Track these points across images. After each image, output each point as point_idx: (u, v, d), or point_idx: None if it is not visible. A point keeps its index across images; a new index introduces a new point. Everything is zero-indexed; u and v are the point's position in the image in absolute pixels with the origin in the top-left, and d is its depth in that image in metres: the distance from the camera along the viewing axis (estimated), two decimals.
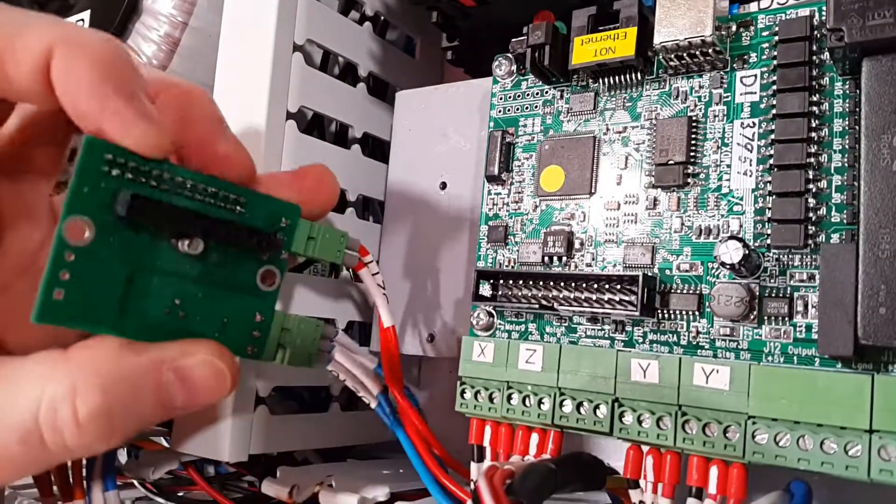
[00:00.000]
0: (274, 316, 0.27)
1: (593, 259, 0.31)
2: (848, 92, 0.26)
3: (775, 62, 0.28)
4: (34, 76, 0.20)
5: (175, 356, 0.22)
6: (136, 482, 0.44)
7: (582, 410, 0.29)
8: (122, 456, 0.46)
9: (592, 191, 0.32)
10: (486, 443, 0.31)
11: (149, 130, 0.21)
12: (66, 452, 0.20)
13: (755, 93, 0.28)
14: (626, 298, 0.29)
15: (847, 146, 0.26)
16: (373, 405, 0.33)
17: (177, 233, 0.24)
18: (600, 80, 0.32)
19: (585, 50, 0.31)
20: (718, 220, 0.28)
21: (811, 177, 0.26)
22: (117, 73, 0.21)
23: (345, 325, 0.40)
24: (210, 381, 0.23)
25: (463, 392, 0.32)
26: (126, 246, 0.23)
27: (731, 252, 0.26)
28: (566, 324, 0.31)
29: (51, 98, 0.20)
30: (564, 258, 0.32)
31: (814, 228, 0.26)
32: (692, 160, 0.29)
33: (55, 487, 0.37)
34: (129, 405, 0.21)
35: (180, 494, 0.46)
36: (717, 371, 0.26)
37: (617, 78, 0.31)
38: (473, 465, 0.32)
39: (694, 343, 0.28)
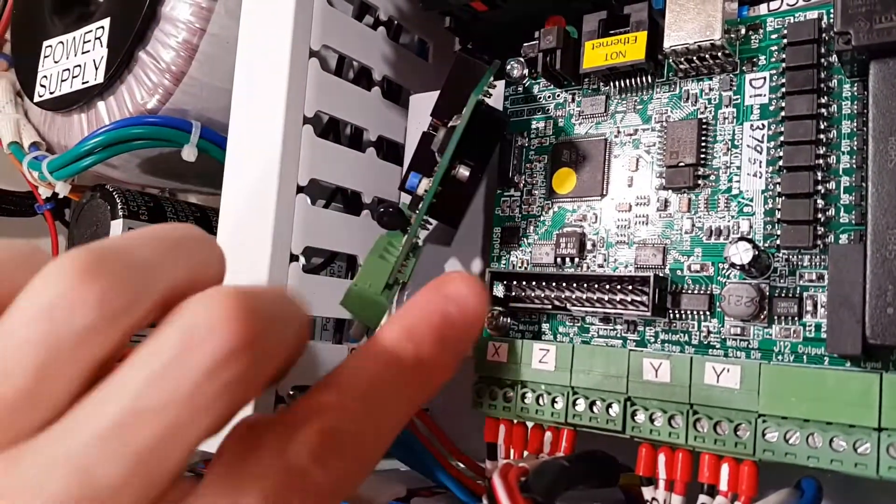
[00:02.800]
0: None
1: (605, 260, 0.32)
2: (856, 94, 0.27)
3: (784, 65, 0.28)
4: None
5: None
6: None
7: (595, 409, 0.29)
8: None
9: (604, 193, 0.32)
10: (501, 441, 0.32)
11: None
12: None
13: (764, 95, 0.29)
14: (638, 299, 0.29)
15: (855, 147, 0.26)
16: None
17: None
18: (611, 84, 0.32)
19: (596, 54, 0.31)
20: (729, 221, 0.29)
21: (820, 178, 0.27)
22: None
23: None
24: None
25: (478, 391, 0.33)
26: None
27: (742, 253, 0.27)
28: (579, 324, 0.32)
29: None
30: (577, 259, 0.32)
31: (823, 229, 0.26)
32: (702, 162, 0.30)
33: None
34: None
35: None
36: (728, 370, 0.27)
37: (628, 81, 0.32)
38: (488, 463, 0.32)
39: (705, 343, 0.28)
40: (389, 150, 0.44)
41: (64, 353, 0.15)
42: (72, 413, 0.16)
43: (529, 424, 0.31)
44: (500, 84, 0.36)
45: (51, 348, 0.15)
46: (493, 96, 0.34)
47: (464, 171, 0.27)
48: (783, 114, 0.28)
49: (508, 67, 0.35)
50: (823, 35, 0.27)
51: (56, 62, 0.51)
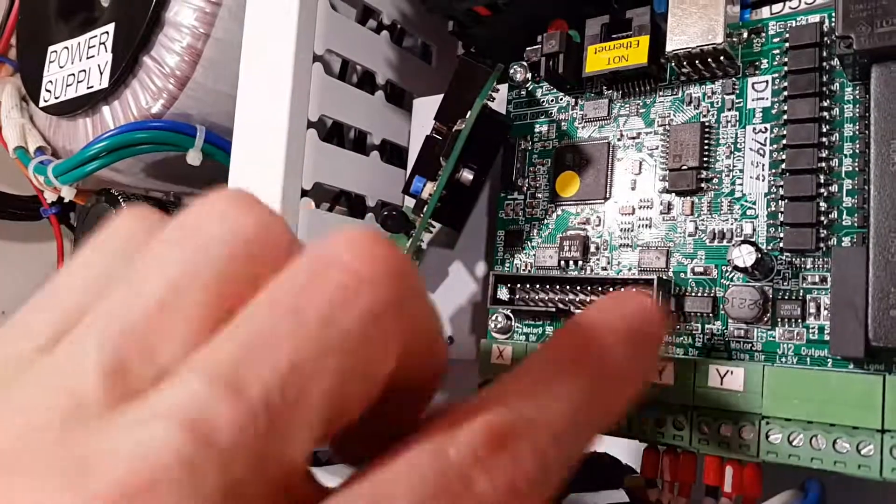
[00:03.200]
0: None
1: (609, 263, 0.32)
2: (858, 97, 0.27)
3: (786, 68, 0.28)
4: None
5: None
6: None
7: None
8: None
9: (607, 196, 0.32)
10: None
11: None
12: None
13: (767, 98, 0.29)
14: None
15: (857, 151, 0.26)
16: None
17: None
18: (614, 88, 0.33)
19: (599, 58, 0.31)
20: (732, 224, 0.29)
21: (822, 181, 0.27)
22: None
23: None
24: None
25: None
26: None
27: (745, 256, 0.27)
28: None
29: None
30: (580, 262, 0.32)
31: (825, 232, 0.27)
32: (705, 165, 0.30)
33: None
34: None
35: None
36: (732, 372, 0.27)
37: (630, 85, 0.32)
38: None
39: (708, 345, 0.29)
40: (393, 153, 0.45)
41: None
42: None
43: None
44: (504, 88, 0.36)
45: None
46: (496, 100, 0.34)
47: (467, 175, 0.27)
48: (785, 117, 0.28)
49: (511, 71, 0.36)
50: (825, 39, 0.28)
51: (61, 67, 0.52)
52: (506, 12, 0.36)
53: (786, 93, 0.28)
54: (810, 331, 0.27)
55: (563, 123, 0.34)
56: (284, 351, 0.13)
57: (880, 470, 0.23)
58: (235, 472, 0.12)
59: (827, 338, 0.26)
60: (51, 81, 0.52)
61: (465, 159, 0.31)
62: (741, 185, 0.29)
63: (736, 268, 0.27)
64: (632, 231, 0.31)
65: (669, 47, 0.29)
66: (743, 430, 0.26)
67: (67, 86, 0.51)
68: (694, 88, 0.31)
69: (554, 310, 0.31)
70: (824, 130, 0.27)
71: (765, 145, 0.29)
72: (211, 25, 0.44)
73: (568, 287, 0.31)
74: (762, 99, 0.29)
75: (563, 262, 0.33)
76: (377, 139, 0.43)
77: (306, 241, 0.36)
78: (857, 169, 0.26)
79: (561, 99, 0.34)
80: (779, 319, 0.27)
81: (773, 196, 0.28)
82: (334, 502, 0.13)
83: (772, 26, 0.29)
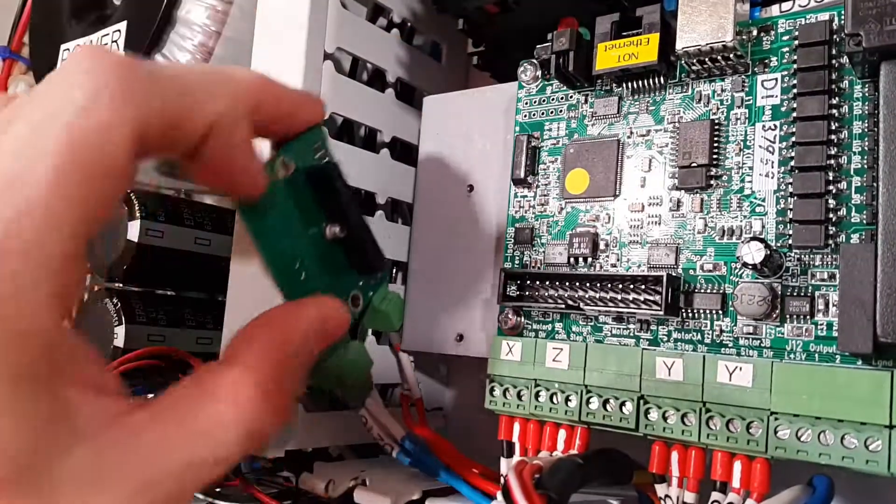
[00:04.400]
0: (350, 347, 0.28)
1: (618, 260, 0.32)
2: (867, 95, 0.27)
3: (795, 66, 0.28)
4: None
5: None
6: None
7: (608, 407, 0.30)
8: None
9: (617, 193, 0.32)
10: (515, 439, 0.32)
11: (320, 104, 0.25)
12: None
13: (776, 96, 0.29)
14: (651, 298, 0.29)
15: (866, 148, 0.27)
16: (394, 454, 0.35)
17: (334, 216, 0.26)
18: (624, 85, 0.33)
19: (609, 56, 0.31)
20: (741, 221, 0.29)
21: (831, 178, 0.27)
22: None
23: None
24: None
25: (492, 390, 0.33)
26: (300, 206, 0.25)
27: (754, 252, 0.27)
28: (592, 323, 0.32)
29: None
30: (590, 259, 0.32)
31: (834, 229, 0.27)
32: (715, 162, 0.30)
33: None
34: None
35: (217, 490, 0.47)
36: (741, 368, 0.27)
37: (640, 82, 0.32)
38: (503, 461, 0.33)
39: (718, 341, 0.29)
40: (403, 150, 0.45)
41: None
42: None
43: (544, 422, 0.32)
44: (514, 86, 0.36)
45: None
46: (508, 98, 0.34)
47: (335, 229, 0.26)
48: (795, 114, 0.28)
49: (521, 69, 0.36)
50: (834, 36, 0.28)
51: None
52: (516, 10, 0.36)
53: (795, 90, 0.28)
54: (819, 327, 0.27)
55: (572, 121, 0.34)
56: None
57: (888, 465, 0.24)
58: None
59: (835, 334, 0.26)
60: None
61: (319, 223, 0.27)
62: (750, 182, 0.29)
63: (745, 264, 0.27)
64: (641, 228, 0.31)
65: (679, 45, 0.29)
66: (752, 425, 0.26)
67: None
68: (703, 86, 0.31)
69: (563, 306, 0.31)
70: (833, 128, 0.27)
71: (774, 142, 0.29)
72: (222, 24, 0.45)
73: (577, 284, 0.31)
74: (771, 96, 0.29)
75: (572, 259, 0.33)
76: (387, 137, 0.43)
77: None
78: (865, 166, 0.26)
79: (571, 96, 0.35)
80: (787, 316, 0.27)
81: (783, 193, 0.28)
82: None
83: (781, 24, 0.29)
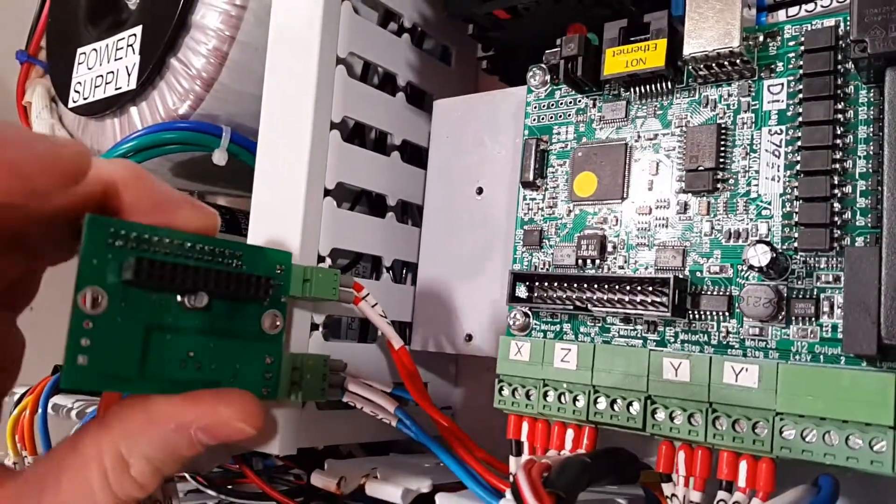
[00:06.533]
0: (282, 357, 0.29)
1: (626, 262, 0.32)
2: (872, 100, 0.27)
3: (801, 71, 0.29)
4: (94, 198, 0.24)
5: (195, 418, 0.25)
6: (187, 475, 0.46)
7: (615, 407, 0.30)
8: None
9: (624, 196, 0.33)
10: (524, 438, 0.33)
11: (209, 215, 0.26)
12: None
13: (782, 101, 0.29)
14: (658, 300, 0.30)
15: (871, 152, 0.27)
16: (394, 423, 0.35)
17: (182, 289, 0.25)
18: (632, 90, 0.33)
19: (617, 61, 0.32)
20: (747, 224, 0.29)
21: (836, 182, 0.27)
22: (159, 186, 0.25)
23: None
24: (232, 430, 0.25)
25: (501, 389, 0.33)
26: (138, 308, 0.24)
27: (760, 255, 0.27)
28: (600, 324, 0.32)
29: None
30: (597, 261, 0.33)
31: (839, 232, 0.27)
32: (721, 166, 0.30)
33: None
34: (168, 460, 0.25)
35: (229, 487, 0.48)
36: (747, 370, 0.27)
37: (648, 87, 0.32)
38: (512, 459, 0.33)
39: (724, 343, 0.29)
40: (413, 153, 0.45)
41: None
42: None
43: (552, 422, 0.32)
44: (523, 90, 0.37)
45: None
46: (517, 102, 0.35)
47: (203, 299, 0.26)
48: (800, 119, 0.28)
49: (530, 74, 0.36)
50: (840, 42, 0.28)
51: (90, 69, 0.53)
52: (525, 16, 0.37)
53: (801, 95, 0.28)
54: (824, 329, 0.27)
55: (581, 125, 0.35)
56: None
57: (893, 466, 0.24)
58: None
59: (840, 336, 0.26)
60: (79, 83, 0.54)
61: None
62: (756, 185, 0.29)
63: (751, 267, 0.28)
64: (648, 230, 0.32)
65: (686, 50, 0.30)
66: (757, 425, 0.27)
67: (96, 87, 0.52)
68: (710, 91, 0.31)
69: (571, 308, 0.32)
70: (839, 132, 0.28)
71: (780, 147, 0.29)
72: (236, 28, 0.45)
73: (585, 285, 0.32)
74: (778, 101, 0.30)
75: (580, 261, 0.33)
76: (398, 140, 0.43)
77: (331, 241, 0.37)
78: (870, 170, 0.27)
79: (579, 101, 0.35)
80: (793, 318, 0.28)
81: (788, 197, 0.29)
82: None
83: (787, 30, 0.30)
